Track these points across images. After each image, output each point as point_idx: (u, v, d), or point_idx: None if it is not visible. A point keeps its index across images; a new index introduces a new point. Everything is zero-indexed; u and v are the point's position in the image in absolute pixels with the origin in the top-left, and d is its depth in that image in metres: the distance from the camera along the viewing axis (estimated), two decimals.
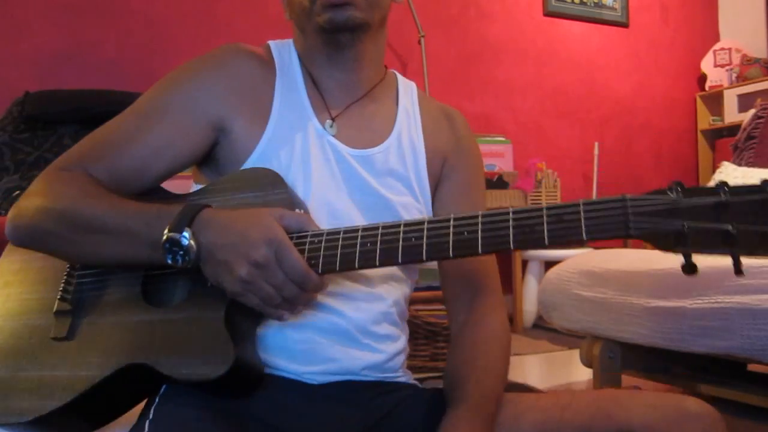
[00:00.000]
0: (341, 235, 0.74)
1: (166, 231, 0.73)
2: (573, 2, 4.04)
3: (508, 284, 3.26)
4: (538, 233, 0.67)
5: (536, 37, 3.95)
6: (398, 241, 0.71)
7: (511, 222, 0.68)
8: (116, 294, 0.81)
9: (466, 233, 0.69)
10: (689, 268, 0.64)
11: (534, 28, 3.95)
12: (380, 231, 0.73)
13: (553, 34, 4.00)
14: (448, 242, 0.70)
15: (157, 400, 0.78)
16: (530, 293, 3.23)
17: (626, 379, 2.02)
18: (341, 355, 0.83)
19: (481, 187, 1.02)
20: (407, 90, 1.02)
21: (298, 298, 0.73)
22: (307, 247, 0.74)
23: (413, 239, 0.71)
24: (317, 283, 0.73)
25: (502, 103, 3.82)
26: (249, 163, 0.85)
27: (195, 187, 0.90)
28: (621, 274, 1.78)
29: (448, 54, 3.67)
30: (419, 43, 3.35)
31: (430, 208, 0.96)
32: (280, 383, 0.80)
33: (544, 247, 0.67)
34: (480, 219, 0.69)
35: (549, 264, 2.92)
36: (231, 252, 0.71)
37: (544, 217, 0.67)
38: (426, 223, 0.71)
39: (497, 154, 3.50)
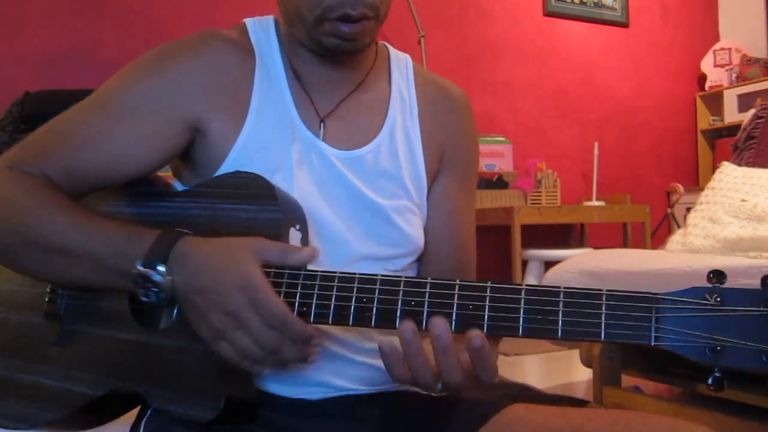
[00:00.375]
0: (335, 283, 0.66)
1: (138, 264, 0.66)
2: (573, 2, 4.04)
3: None
4: (551, 323, 0.59)
5: (536, 37, 3.95)
6: (397, 302, 0.64)
7: (522, 305, 0.60)
8: (105, 304, 0.77)
9: (471, 307, 0.62)
10: (717, 384, 0.55)
11: (534, 28, 3.95)
12: (378, 286, 0.65)
13: (553, 34, 4.00)
14: (450, 314, 0.62)
15: (148, 413, 0.77)
16: None
17: (626, 379, 2.02)
18: (333, 377, 0.79)
19: (474, 182, 0.95)
20: (401, 68, 0.91)
21: (283, 349, 0.64)
22: (299, 291, 0.66)
23: (413, 303, 0.63)
24: (300, 328, 0.64)
25: (502, 103, 3.82)
26: (224, 169, 0.78)
27: (177, 185, 0.84)
28: (621, 274, 1.77)
29: (448, 54, 3.67)
30: (419, 43, 3.35)
31: (425, 207, 0.89)
32: (275, 402, 0.78)
33: (557, 339, 0.59)
34: (488, 293, 0.61)
35: (549, 264, 2.92)
36: (203, 298, 0.64)
37: (561, 304, 0.59)
38: (428, 285, 0.63)
39: (497, 154, 3.50)
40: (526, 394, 0.85)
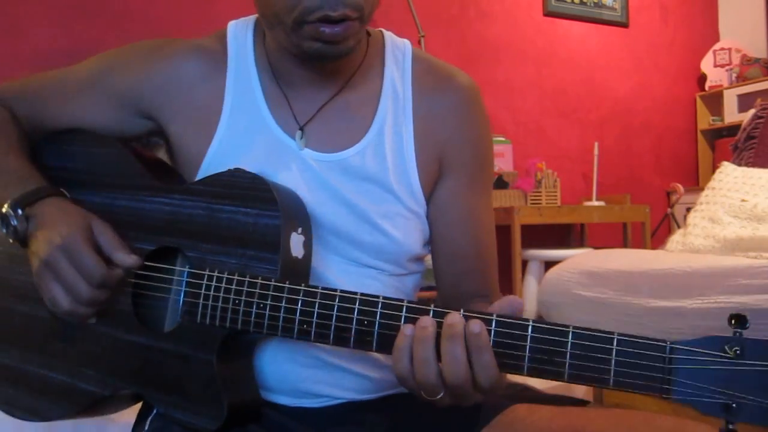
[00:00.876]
0: (336, 303, 0.65)
1: (7, 204, 0.73)
2: (573, 2, 4.04)
3: (508, 284, 3.26)
4: (557, 364, 0.56)
5: (536, 37, 3.94)
6: (398, 327, 0.62)
7: (528, 342, 0.57)
8: (108, 303, 0.78)
9: None
10: None
11: (534, 28, 3.94)
12: (379, 310, 0.63)
13: (553, 34, 3.99)
14: None
15: (155, 411, 0.77)
16: (530, 293, 3.23)
17: None
18: (332, 388, 0.78)
19: (488, 180, 0.88)
20: (398, 58, 0.84)
21: (94, 296, 0.70)
22: (299, 307, 0.66)
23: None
24: (116, 276, 0.71)
25: (502, 103, 3.82)
26: (200, 175, 0.79)
27: None
28: (621, 274, 1.77)
29: (448, 54, 3.67)
30: (419, 43, 3.35)
31: (423, 212, 0.83)
32: (278, 408, 0.77)
33: (563, 381, 0.57)
34: (494, 327, 0.59)
35: (549, 264, 2.91)
36: (35, 243, 0.71)
37: (568, 345, 0.56)
38: (432, 313, 0.61)
39: (497, 154, 3.49)
40: (527, 394, 0.85)
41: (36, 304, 0.80)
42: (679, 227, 3.22)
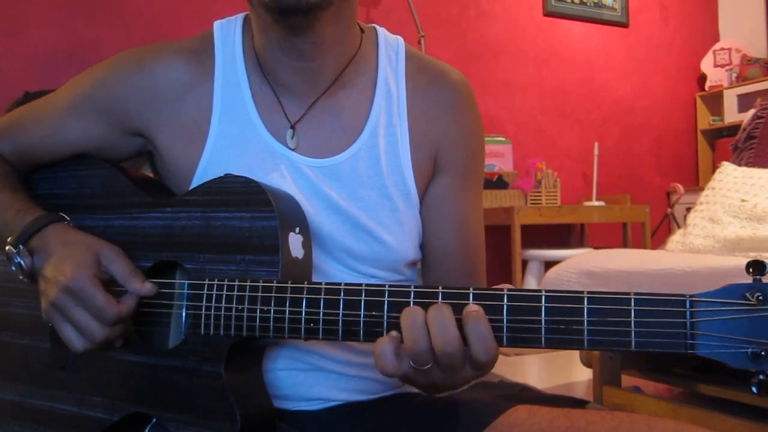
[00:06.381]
0: (342, 297, 0.63)
1: (9, 241, 0.72)
2: (573, 2, 4.04)
3: (508, 284, 3.27)
4: (575, 332, 0.54)
5: (536, 37, 3.95)
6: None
7: (543, 314, 0.55)
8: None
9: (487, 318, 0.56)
10: (762, 390, 0.50)
11: (534, 28, 3.95)
12: (387, 299, 0.61)
13: (553, 34, 3.99)
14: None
15: (154, 420, 0.75)
16: None
17: (626, 379, 2.02)
18: (330, 390, 0.78)
19: (479, 179, 0.87)
20: (391, 55, 0.82)
21: (108, 334, 0.68)
22: (304, 308, 0.64)
23: None
24: (127, 310, 0.68)
25: (502, 103, 3.82)
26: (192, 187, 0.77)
27: None
28: (621, 274, 1.77)
29: (448, 54, 3.67)
30: (419, 43, 3.35)
31: (418, 213, 0.81)
32: (278, 413, 0.76)
33: (583, 349, 0.55)
34: (506, 302, 0.56)
35: (549, 264, 2.91)
36: (43, 282, 0.69)
37: (585, 312, 0.54)
38: (441, 295, 0.58)
39: (497, 154, 3.50)
40: (527, 395, 0.85)
41: (36, 336, 0.79)
42: (679, 227, 3.22)
